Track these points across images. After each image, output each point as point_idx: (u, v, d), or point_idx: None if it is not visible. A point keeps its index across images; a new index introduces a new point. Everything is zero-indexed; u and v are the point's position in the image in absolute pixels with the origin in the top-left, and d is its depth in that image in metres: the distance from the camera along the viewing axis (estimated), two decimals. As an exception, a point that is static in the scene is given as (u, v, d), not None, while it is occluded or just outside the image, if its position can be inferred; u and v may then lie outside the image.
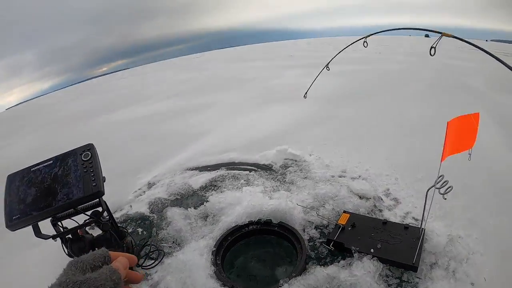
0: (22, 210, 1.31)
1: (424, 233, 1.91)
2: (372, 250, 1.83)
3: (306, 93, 3.68)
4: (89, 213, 1.57)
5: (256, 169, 3.20)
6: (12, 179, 1.40)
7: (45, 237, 1.43)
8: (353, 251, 1.86)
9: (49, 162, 1.45)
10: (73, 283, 0.53)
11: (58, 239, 1.50)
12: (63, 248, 1.53)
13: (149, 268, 1.90)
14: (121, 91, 12.68)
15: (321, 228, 2.16)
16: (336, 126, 4.45)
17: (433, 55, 2.04)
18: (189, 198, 2.80)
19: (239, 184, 2.88)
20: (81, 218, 1.57)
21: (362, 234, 1.98)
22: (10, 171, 1.43)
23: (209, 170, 3.30)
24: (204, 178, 3.09)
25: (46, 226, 1.44)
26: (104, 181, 1.49)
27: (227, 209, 2.38)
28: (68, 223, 1.53)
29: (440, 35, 2.05)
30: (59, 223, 1.49)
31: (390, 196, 2.53)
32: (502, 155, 3.19)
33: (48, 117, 9.75)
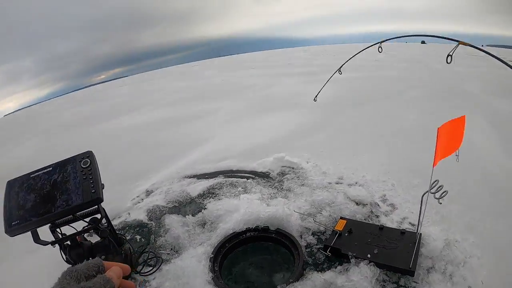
0: (21, 216, 1.33)
1: (420, 237, 1.92)
2: (369, 256, 1.84)
3: (316, 96, 3.74)
4: (87, 219, 1.59)
5: (253, 176, 3.22)
6: (12, 185, 1.42)
7: (44, 243, 1.45)
8: (350, 256, 1.87)
9: (49, 169, 1.47)
10: None
11: (57, 245, 1.51)
12: (61, 254, 1.54)
13: (147, 275, 1.91)
14: (120, 98, 12.73)
15: (318, 234, 2.17)
16: (333, 133, 4.48)
17: (449, 63, 2.09)
18: (187, 206, 2.81)
19: (237, 192, 2.89)
20: (79, 225, 1.59)
21: (359, 239, 2.00)
22: (9, 177, 1.45)
23: (207, 178, 3.31)
24: (202, 185, 3.10)
25: (45, 232, 1.46)
26: (103, 188, 1.51)
27: (224, 216, 2.39)
28: (67, 230, 1.55)
29: (456, 43, 2.09)
30: (58, 229, 1.50)
31: (386, 202, 2.55)
32: (498, 159, 3.23)
33: (47, 124, 9.77)
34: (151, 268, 1.94)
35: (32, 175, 1.45)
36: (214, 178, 3.26)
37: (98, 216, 1.60)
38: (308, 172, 3.13)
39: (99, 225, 1.61)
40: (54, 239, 1.49)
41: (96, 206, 1.54)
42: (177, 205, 2.84)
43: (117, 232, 1.77)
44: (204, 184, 3.11)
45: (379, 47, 2.72)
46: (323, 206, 2.42)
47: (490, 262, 1.87)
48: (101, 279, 0.58)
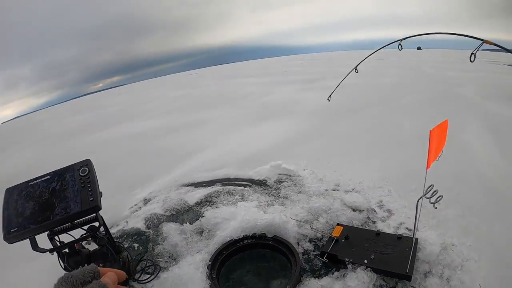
0: (20, 223, 1.34)
1: (417, 242, 1.94)
2: (365, 261, 1.85)
3: (330, 96, 3.77)
4: (86, 227, 1.60)
5: (250, 184, 3.23)
6: (10, 192, 1.43)
7: (42, 250, 1.45)
8: (347, 262, 1.88)
9: (47, 177, 1.49)
10: None
11: (55, 253, 1.51)
12: (59, 262, 1.54)
13: (145, 283, 1.91)
14: (117, 107, 12.75)
15: (315, 241, 2.18)
16: (329, 140, 4.52)
17: (473, 61, 2.13)
18: (185, 214, 2.82)
19: (234, 200, 2.90)
20: (78, 233, 1.60)
21: (355, 245, 2.01)
22: (7, 184, 1.46)
23: (204, 186, 3.33)
24: (199, 194, 3.11)
25: (43, 240, 1.46)
26: (101, 196, 1.53)
27: (222, 224, 2.40)
28: (65, 238, 1.55)
29: (481, 42, 2.11)
30: (56, 237, 1.51)
31: (383, 207, 2.56)
32: (494, 162, 3.27)
33: (45, 132, 9.78)
34: (149, 276, 1.94)
35: (31, 183, 1.46)
36: (211, 186, 3.27)
37: (96, 224, 1.61)
38: (305, 179, 3.14)
39: (97, 233, 1.62)
40: (52, 247, 1.49)
41: (94, 214, 1.55)
42: (174, 213, 2.84)
43: (115, 240, 1.78)
44: (201, 192, 3.12)
45: (399, 44, 2.74)
46: (320, 213, 2.43)
47: (488, 265, 1.89)
48: (96, 285, 0.60)
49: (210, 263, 2.02)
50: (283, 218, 2.27)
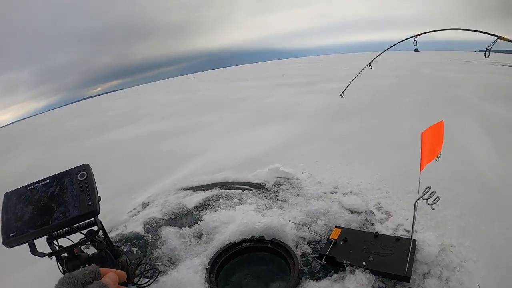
0: (19, 228, 1.34)
1: (415, 243, 1.94)
2: (364, 263, 1.86)
3: (343, 92, 3.79)
4: (84, 232, 1.60)
5: (249, 188, 3.24)
6: (9, 197, 1.44)
7: (41, 255, 1.46)
8: (345, 264, 1.89)
9: (46, 181, 1.49)
10: None
11: (54, 257, 1.52)
12: (58, 266, 1.54)
13: (144, 287, 1.91)
14: (116, 111, 12.75)
15: (314, 243, 2.18)
16: (327, 143, 4.53)
17: (487, 57, 2.14)
18: (183, 218, 2.82)
19: (233, 203, 2.91)
20: (76, 237, 1.60)
21: (354, 247, 2.02)
22: (6, 189, 1.47)
23: (203, 190, 3.33)
24: (198, 197, 3.12)
25: (42, 244, 1.47)
26: (100, 200, 1.53)
27: (220, 228, 2.41)
28: (64, 242, 1.56)
29: (496, 38, 2.12)
30: (55, 241, 1.51)
31: (381, 209, 2.57)
32: (492, 163, 3.28)
33: (44, 136, 9.77)
34: (148, 279, 1.95)
35: (30, 187, 1.46)
36: (210, 190, 3.28)
37: (95, 228, 1.61)
38: (303, 182, 3.15)
39: (96, 237, 1.62)
40: (51, 251, 1.50)
41: (93, 219, 1.55)
42: (173, 217, 2.85)
43: (114, 244, 1.78)
44: (200, 196, 3.13)
45: (414, 40, 2.76)
46: (318, 216, 2.44)
47: (487, 265, 1.89)
48: (97, 285, 0.60)
49: (208, 266, 2.02)
50: (281, 221, 2.28)
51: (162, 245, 2.39)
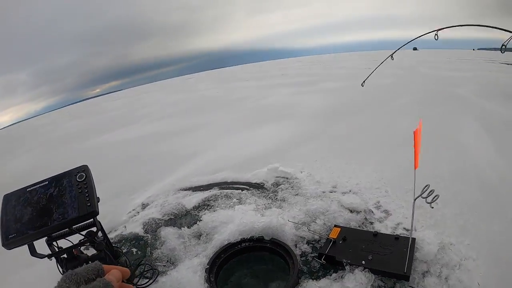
0: (18, 229, 1.34)
1: (414, 242, 1.95)
2: (363, 262, 1.86)
3: (364, 81, 3.80)
4: (84, 233, 1.60)
5: (248, 187, 3.24)
6: (8, 198, 1.44)
7: (41, 256, 1.46)
8: (344, 263, 1.89)
9: (45, 183, 1.49)
10: None
11: (53, 259, 1.52)
12: (58, 267, 1.54)
13: (144, 287, 1.91)
14: (115, 112, 12.76)
15: (313, 243, 2.19)
16: (326, 142, 4.53)
17: (503, 53, 2.15)
18: (183, 218, 2.82)
19: (232, 203, 2.91)
20: (76, 238, 1.60)
21: (353, 246, 2.02)
22: (5, 190, 1.47)
23: (202, 190, 3.33)
24: (197, 198, 3.12)
25: (41, 246, 1.47)
26: (98, 201, 1.53)
27: (220, 228, 2.41)
28: (63, 243, 1.56)
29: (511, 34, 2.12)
30: (54, 242, 1.52)
31: (380, 208, 2.57)
32: (491, 161, 3.28)
33: (43, 138, 9.78)
34: (147, 280, 1.94)
35: (29, 189, 1.46)
36: (209, 190, 3.28)
37: (94, 229, 1.61)
38: (302, 182, 3.16)
39: (95, 238, 1.62)
40: (50, 252, 1.50)
41: (92, 220, 1.55)
42: (172, 217, 2.85)
43: (113, 245, 1.78)
44: (199, 196, 3.13)
45: (435, 34, 2.76)
46: (317, 215, 2.44)
47: (486, 263, 1.89)
48: (100, 283, 0.59)
49: (208, 266, 2.03)
50: (280, 220, 2.28)
51: (162, 246, 2.39)
